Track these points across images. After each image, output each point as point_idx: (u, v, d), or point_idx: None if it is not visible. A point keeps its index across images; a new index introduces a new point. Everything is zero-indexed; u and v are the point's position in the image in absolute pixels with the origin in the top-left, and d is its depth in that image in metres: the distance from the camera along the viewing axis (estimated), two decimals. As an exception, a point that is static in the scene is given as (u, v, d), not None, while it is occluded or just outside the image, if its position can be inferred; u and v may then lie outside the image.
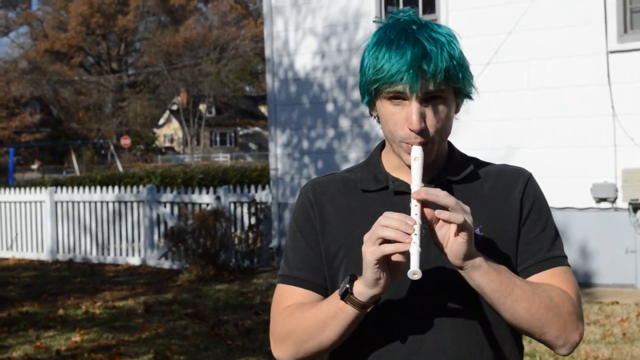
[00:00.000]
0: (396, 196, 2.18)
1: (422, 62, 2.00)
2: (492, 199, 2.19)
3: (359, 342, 2.15)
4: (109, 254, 15.49)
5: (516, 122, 11.39)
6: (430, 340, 2.11)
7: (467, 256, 1.95)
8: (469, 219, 1.92)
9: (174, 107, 78.34)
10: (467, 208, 1.94)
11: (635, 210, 10.62)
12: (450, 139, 2.24)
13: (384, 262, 1.93)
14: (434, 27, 2.07)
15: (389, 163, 2.23)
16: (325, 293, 2.19)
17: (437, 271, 2.11)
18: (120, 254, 15.34)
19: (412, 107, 2.03)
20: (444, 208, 1.92)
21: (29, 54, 72.64)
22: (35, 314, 10.65)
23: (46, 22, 73.82)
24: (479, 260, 1.98)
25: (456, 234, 1.93)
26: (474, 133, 11.14)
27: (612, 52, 10.70)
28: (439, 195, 1.91)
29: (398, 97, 2.05)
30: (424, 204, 1.96)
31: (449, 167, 2.21)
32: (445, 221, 1.92)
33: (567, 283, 2.15)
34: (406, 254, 1.89)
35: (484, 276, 1.99)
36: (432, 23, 2.09)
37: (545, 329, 2.07)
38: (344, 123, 13.10)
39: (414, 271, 1.87)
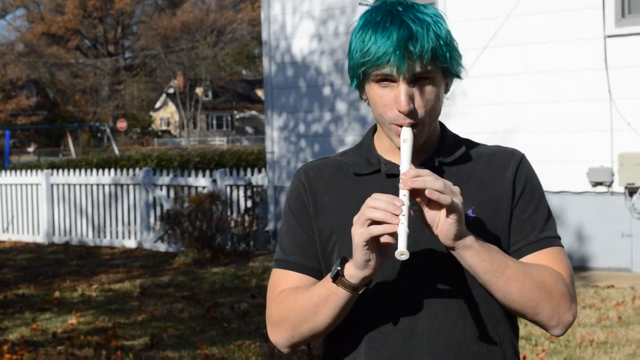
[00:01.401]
0: (388, 179, 2.18)
1: (408, 43, 2.00)
2: (484, 180, 2.19)
3: (353, 326, 2.16)
4: (105, 237, 15.49)
5: (513, 106, 11.38)
6: (424, 322, 2.11)
7: (458, 236, 1.96)
8: (458, 200, 1.92)
9: (171, 91, 78.25)
10: (456, 189, 1.94)
11: (631, 194, 10.63)
12: (448, 122, 2.24)
13: (374, 243, 1.93)
14: (420, 8, 2.07)
15: (381, 146, 2.23)
16: (320, 277, 2.19)
17: (430, 254, 2.11)
18: (117, 237, 15.33)
19: (400, 89, 2.04)
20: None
21: (26, 36, 72.46)
22: (31, 297, 10.66)
23: (43, 4, 73.59)
24: (469, 240, 1.98)
25: (446, 215, 1.93)
26: (471, 117, 11.13)
27: (609, 36, 10.68)
28: (427, 181, 1.91)
29: (386, 79, 2.05)
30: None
31: (440, 149, 2.21)
32: (435, 201, 1.92)
33: (560, 263, 2.15)
34: (395, 235, 1.89)
35: (475, 256, 1.99)
36: (418, 4, 2.09)
37: (538, 309, 2.07)
38: (341, 106, 13.09)
39: (401, 251, 1.86)
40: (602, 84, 10.71)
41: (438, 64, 2.05)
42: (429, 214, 1.96)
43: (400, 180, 1.94)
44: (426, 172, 1.94)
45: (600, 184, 10.81)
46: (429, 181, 1.91)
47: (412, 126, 2.06)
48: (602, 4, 10.70)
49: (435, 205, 1.94)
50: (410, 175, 1.93)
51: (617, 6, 10.63)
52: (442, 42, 2.04)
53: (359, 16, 2.12)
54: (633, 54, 10.58)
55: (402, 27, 2.00)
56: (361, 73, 2.08)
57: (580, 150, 10.90)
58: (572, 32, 10.93)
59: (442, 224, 1.94)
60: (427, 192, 1.90)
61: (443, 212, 1.93)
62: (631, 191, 10.61)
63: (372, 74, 2.06)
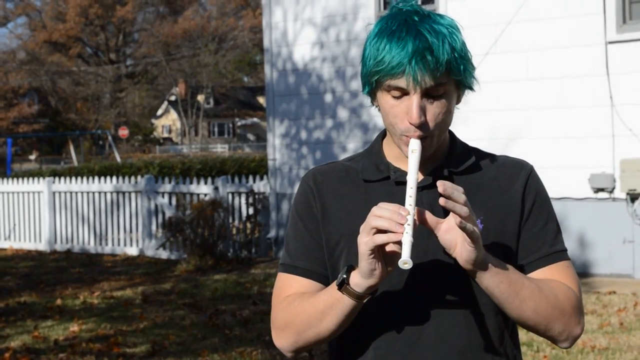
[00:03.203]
0: (397, 186, 2.16)
1: (424, 55, 1.98)
2: (493, 191, 2.19)
3: (360, 332, 2.15)
4: (106, 244, 15.49)
5: (514, 113, 11.39)
6: (430, 330, 2.11)
7: (478, 263, 1.96)
8: (477, 228, 1.92)
9: (172, 98, 78.31)
10: (472, 216, 1.93)
11: (632, 200, 10.62)
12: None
13: (379, 252, 1.93)
14: (436, 19, 2.04)
15: (391, 152, 2.22)
16: (326, 282, 2.19)
17: (437, 262, 2.11)
18: (118, 244, 15.33)
19: (413, 101, 2.02)
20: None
21: (27, 44, 72.51)
22: (33, 304, 10.65)
23: (44, 12, 73.68)
24: (488, 263, 1.99)
25: (466, 242, 1.93)
26: (472, 124, 11.14)
27: (610, 42, 10.69)
28: (456, 206, 1.88)
29: (399, 89, 2.03)
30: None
31: (450, 159, 2.20)
32: (460, 227, 1.90)
33: (569, 278, 2.16)
34: (400, 244, 1.89)
35: (493, 277, 2.00)
36: (435, 14, 2.06)
37: (550, 326, 2.09)
38: (342, 113, 13.10)
39: (405, 260, 1.86)
40: (603, 90, 10.72)
41: (452, 77, 2.04)
42: (446, 237, 1.96)
43: (438, 185, 1.89)
44: (461, 190, 1.92)
45: (602, 190, 10.81)
46: (458, 207, 1.88)
47: (421, 138, 2.05)
48: (603, 10, 10.71)
49: (452, 229, 1.95)
50: (450, 187, 1.89)
51: (618, 12, 10.64)
52: (456, 55, 2.02)
53: (375, 23, 2.09)
54: (634, 59, 10.59)
55: (417, 37, 1.98)
56: (374, 81, 2.06)
57: (582, 156, 10.90)
58: (573, 39, 10.94)
59: (462, 250, 1.94)
60: (457, 222, 1.89)
61: (462, 237, 1.93)
62: (633, 197, 10.61)
63: (385, 83, 2.04)
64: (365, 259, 1.93)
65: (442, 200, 1.88)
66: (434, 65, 1.99)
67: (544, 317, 2.06)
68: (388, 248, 1.91)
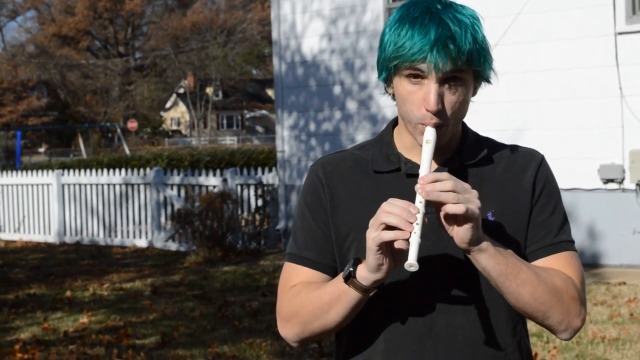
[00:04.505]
0: (408, 178, 2.14)
1: (446, 43, 1.96)
2: (504, 182, 2.18)
3: (370, 325, 2.15)
4: (116, 236, 15.52)
5: (524, 104, 11.37)
6: (441, 323, 2.10)
7: (473, 242, 1.94)
8: (474, 205, 1.90)
9: (181, 91, 78.36)
10: (472, 194, 1.92)
11: (642, 191, 10.60)
12: (459, 121, 2.22)
13: (387, 248, 1.92)
14: (459, 8, 2.04)
15: (401, 142, 2.20)
16: (333, 273, 2.18)
17: (448, 255, 2.10)
18: (128, 236, 15.36)
19: (431, 88, 2.00)
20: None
21: (37, 38, 72.64)
22: (42, 296, 10.68)
23: (53, 6, 73.76)
24: (485, 244, 1.96)
25: (461, 223, 1.91)
26: (482, 115, 11.07)
27: (620, 33, 10.65)
28: (441, 195, 1.88)
29: (417, 75, 2.01)
30: None
31: (462, 150, 2.18)
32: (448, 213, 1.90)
33: (572, 268, 2.14)
34: (409, 242, 1.88)
35: (490, 259, 1.97)
36: (457, 4, 2.05)
37: (548, 314, 2.06)
38: (351, 105, 13.08)
39: (411, 263, 1.85)
40: (613, 81, 10.69)
41: (471, 67, 2.02)
42: (445, 218, 1.95)
43: (418, 186, 1.92)
44: (445, 175, 1.92)
45: (612, 180, 10.78)
46: (443, 196, 1.89)
47: (437, 126, 2.03)
48: (612, 1, 10.67)
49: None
50: (427, 180, 1.90)
51: (628, 3, 10.61)
52: (478, 46, 2.01)
53: (395, 9, 2.07)
54: (644, 50, 10.55)
55: (440, 25, 1.97)
56: (392, 67, 2.04)
57: (591, 147, 10.87)
58: (582, 30, 10.90)
59: (458, 228, 1.93)
60: (442, 213, 1.90)
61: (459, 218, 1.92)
62: (642, 188, 10.58)
63: (404, 69, 2.02)
64: (372, 254, 1.92)
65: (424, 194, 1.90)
66: (456, 55, 1.97)
67: (542, 303, 2.04)
68: (397, 245, 1.90)
